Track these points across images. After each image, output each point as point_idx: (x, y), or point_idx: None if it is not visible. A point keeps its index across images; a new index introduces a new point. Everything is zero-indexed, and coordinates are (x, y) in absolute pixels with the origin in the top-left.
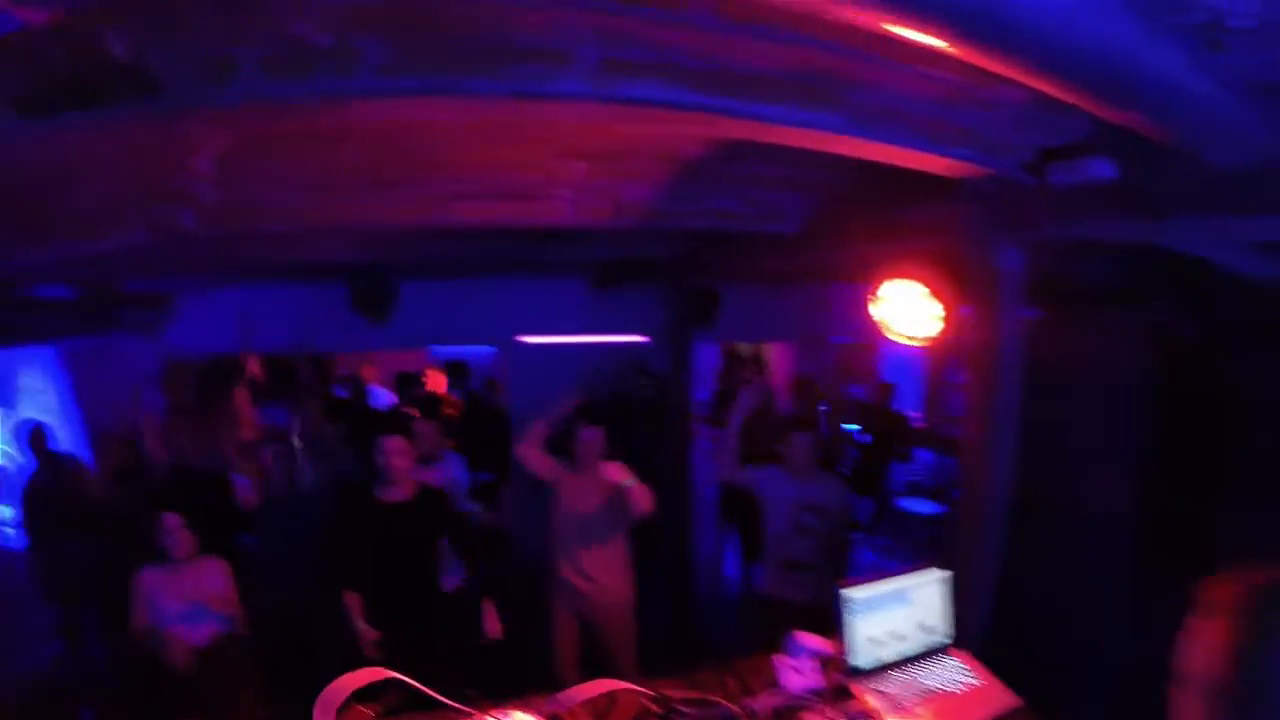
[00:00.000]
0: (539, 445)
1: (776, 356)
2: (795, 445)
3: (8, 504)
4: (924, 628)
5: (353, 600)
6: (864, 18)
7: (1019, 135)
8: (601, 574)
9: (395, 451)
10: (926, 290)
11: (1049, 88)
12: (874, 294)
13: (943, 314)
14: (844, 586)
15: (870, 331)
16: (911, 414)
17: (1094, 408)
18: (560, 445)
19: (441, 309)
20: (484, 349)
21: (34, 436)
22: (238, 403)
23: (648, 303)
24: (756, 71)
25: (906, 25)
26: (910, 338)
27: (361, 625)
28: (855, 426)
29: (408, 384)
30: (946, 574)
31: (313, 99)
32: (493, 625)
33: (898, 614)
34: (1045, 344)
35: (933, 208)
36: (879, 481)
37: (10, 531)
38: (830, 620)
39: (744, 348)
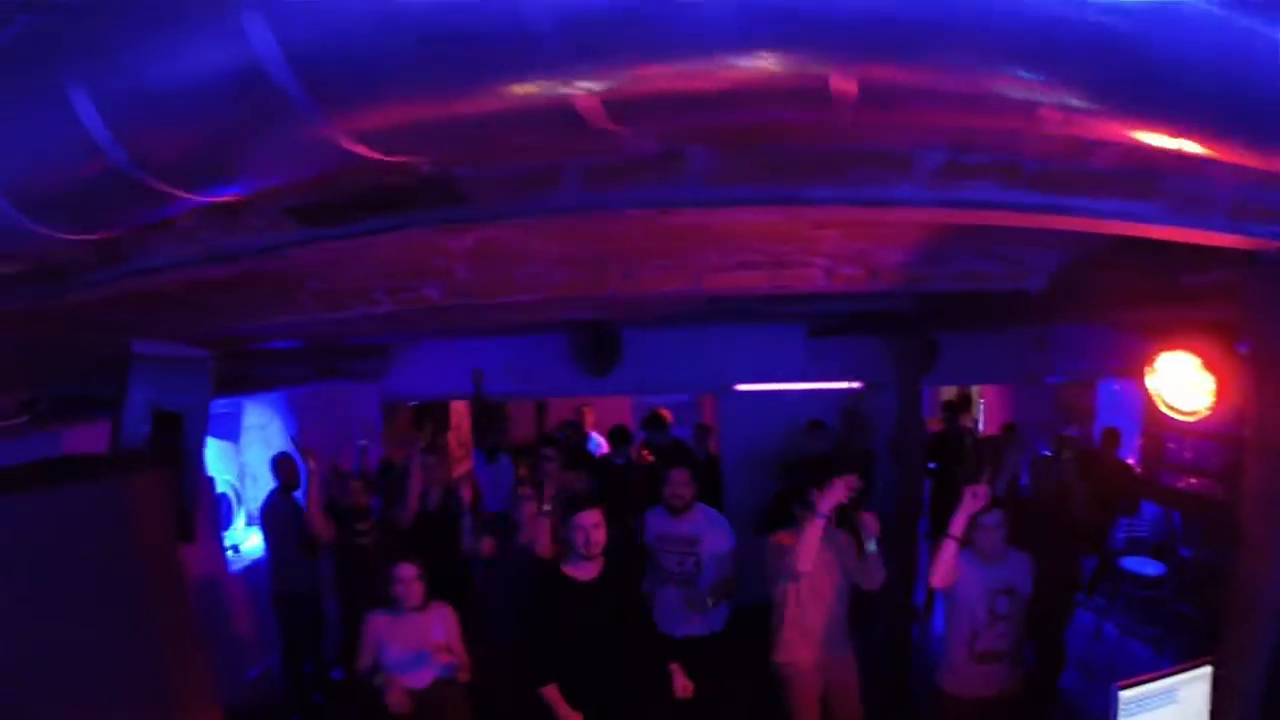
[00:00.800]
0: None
1: (990, 399)
2: (987, 529)
3: (233, 529)
4: None
5: (551, 693)
6: None
7: None
8: (825, 637)
9: (595, 526)
10: (1200, 363)
11: None
12: (1149, 365)
13: (1216, 389)
14: (1123, 685)
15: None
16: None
17: None
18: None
19: (658, 357)
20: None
21: (280, 466)
22: (451, 445)
23: (862, 349)
24: (1090, 170)
25: None
26: (1181, 412)
27: (566, 713)
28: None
29: (621, 438)
30: (1212, 671)
31: (633, 206)
32: (682, 684)
33: (1166, 713)
34: None
35: (1214, 274)
36: (1100, 537)
37: (235, 554)
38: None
39: (949, 391)
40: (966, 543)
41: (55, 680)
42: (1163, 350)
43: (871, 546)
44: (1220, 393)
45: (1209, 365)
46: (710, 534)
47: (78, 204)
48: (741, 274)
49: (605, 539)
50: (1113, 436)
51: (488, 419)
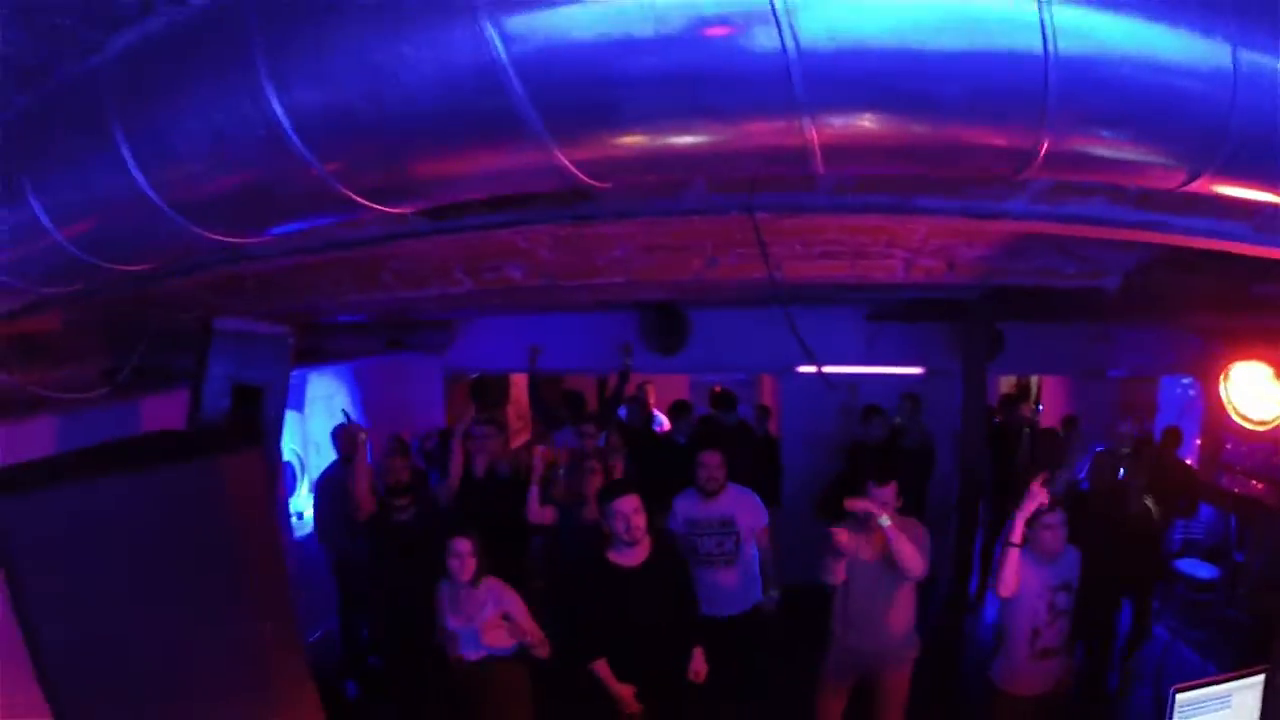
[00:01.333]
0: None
1: (1050, 391)
2: (1050, 528)
3: (296, 497)
4: None
5: (602, 668)
6: None
7: None
8: (881, 629)
9: (634, 511)
10: (1274, 373)
11: None
12: (1223, 373)
13: None
14: (1180, 688)
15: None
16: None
17: None
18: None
19: (723, 337)
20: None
21: (342, 436)
22: (510, 417)
23: (923, 335)
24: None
25: None
26: (1252, 420)
27: (616, 687)
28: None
29: (681, 411)
30: (1265, 678)
31: (762, 210)
32: (699, 666)
33: (1219, 717)
34: None
35: None
36: (1158, 538)
37: (299, 521)
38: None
39: (1009, 381)
40: (1025, 541)
41: (163, 653)
42: (1237, 358)
43: (884, 521)
44: None
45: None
46: (743, 510)
47: (252, 208)
48: (823, 263)
49: (646, 522)
50: (1174, 435)
51: (538, 394)
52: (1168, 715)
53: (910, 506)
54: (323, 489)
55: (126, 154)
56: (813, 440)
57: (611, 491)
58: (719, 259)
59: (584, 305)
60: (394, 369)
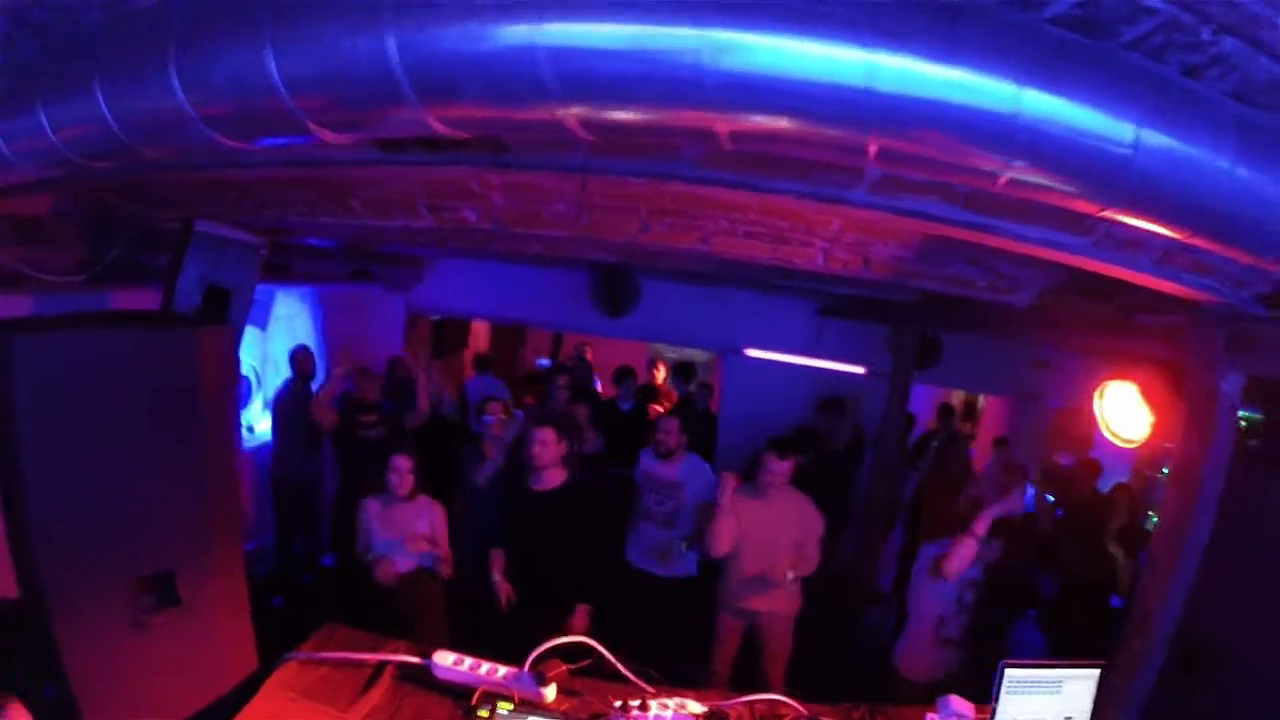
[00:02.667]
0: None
1: (989, 410)
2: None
3: (249, 410)
4: None
5: (496, 559)
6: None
7: (1258, 273)
8: (770, 596)
9: (542, 443)
10: (1141, 394)
11: None
12: (1098, 389)
13: (1153, 421)
14: (1010, 663)
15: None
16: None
17: None
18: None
19: (673, 309)
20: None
21: (299, 357)
22: (466, 361)
23: (868, 335)
24: (1021, 201)
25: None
26: (1120, 438)
27: (499, 579)
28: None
29: (623, 378)
30: (1099, 673)
31: (637, 176)
32: (579, 624)
33: (1047, 701)
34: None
35: (1164, 315)
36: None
37: (249, 434)
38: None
39: (957, 396)
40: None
41: (126, 493)
42: (1111, 378)
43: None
44: (1157, 425)
45: (1149, 398)
46: (693, 481)
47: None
48: (746, 241)
49: (554, 456)
50: (1091, 466)
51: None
52: (995, 688)
53: (834, 499)
54: (278, 405)
55: (174, 78)
56: (750, 421)
57: (536, 420)
58: (651, 225)
59: (543, 259)
60: (357, 300)
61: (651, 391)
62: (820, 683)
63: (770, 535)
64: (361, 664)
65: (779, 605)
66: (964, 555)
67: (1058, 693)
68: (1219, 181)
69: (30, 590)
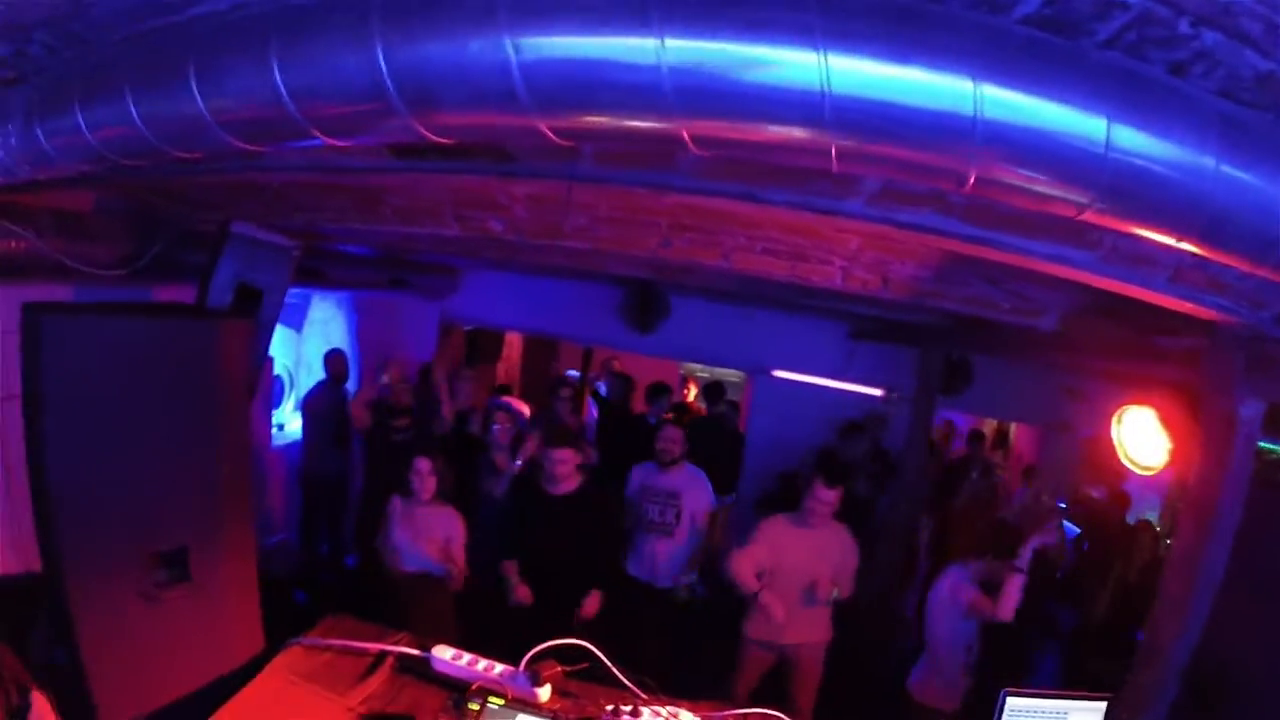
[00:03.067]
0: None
1: (1019, 439)
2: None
3: (281, 409)
4: None
5: (509, 566)
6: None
7: (1275, 292)
8: (802, 625)
9: (561, 461)
10: (1160, 420)
11: None
12: (1117, 414)
13: (1172, 447)
14: (1012, 691)
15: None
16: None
17: None
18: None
19: (702, 327)
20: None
21: (333, 360)
22: (499, 374)
23: (899, 359)
24: (1018, 212)
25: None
26: (1138, 465)
27: (515, 581)
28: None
29: (658, 394)
30: (1106, 707)
31: (634, 184)
32: (590, 608)
33: None
34: None
35: (1184, 339)
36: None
37: (279, 432)
38: None
39: (989, 424)
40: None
41: (143, 472)
42: (1129, 404)
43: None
44: (1176, 452)
45: (1167, 424)
46: (691, 490)
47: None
48: (765, 258)
49: (571, 470)
50: (1121, 499)
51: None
52: (996, 716)
53: (856, 524)
54: (309, 405)
55: (194, 85)
56: (776, 442)
57: (552, 441)
58: (672, 240)
59: (573, 272)
60: (392, 307)
61: (682, 409)
62: (838, 708)
63: (808, 566)
64: (363, 653)
65: (811, 636)
66: (1015, 594)
67: None
68: (1202, 180)
69: (50, 559)
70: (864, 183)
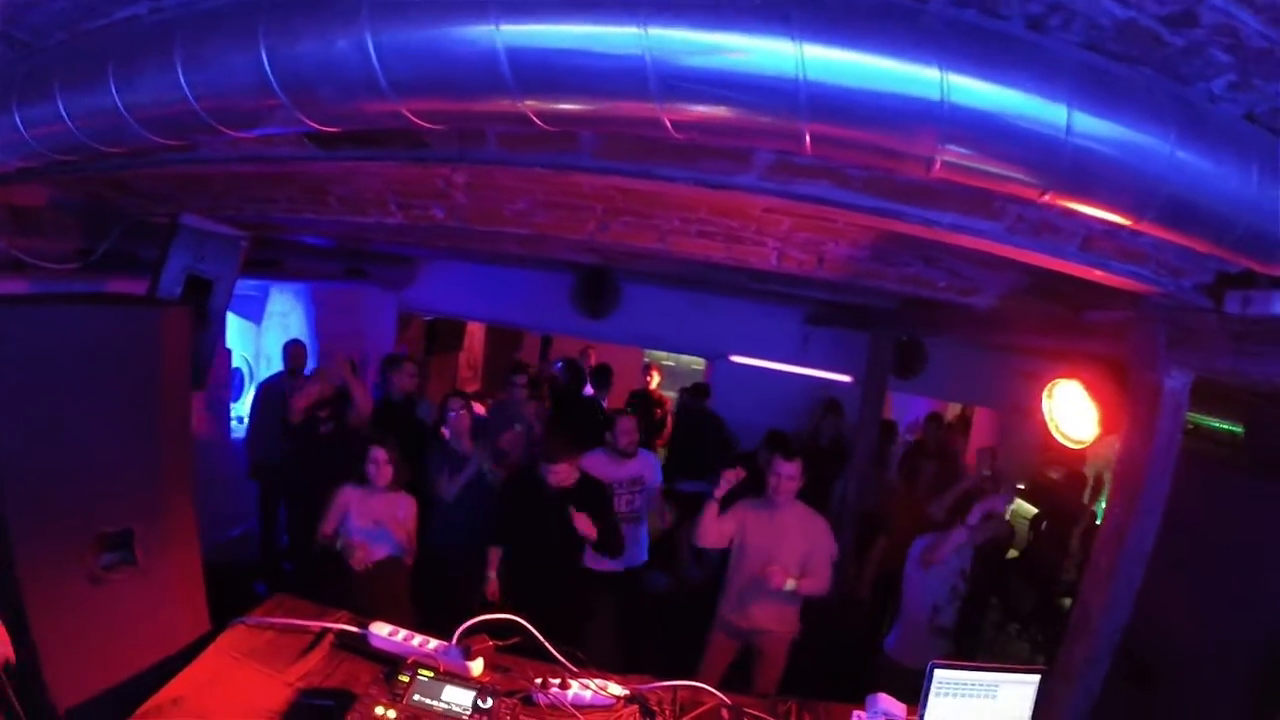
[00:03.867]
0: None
1: (979, 421)
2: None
3: (240, 402)
4: None
5: (494, 553)
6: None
7: (1195, 260)
8: (767, 613)
9: (563, 474)
10: (1088, 393)
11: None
12: (1047, 388)
13: (1100, 420)
14: (941, 664)
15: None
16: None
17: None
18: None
19: (656, 313)
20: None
21: (292, 351)
22: (461, 364)
23: (854, 343)
24: (918, 182)
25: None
26: (1068, 438)
27: (492, 573)
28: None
29: (602, 376)
30: (1039, 679)
31: (540, 166)
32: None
33: (982, 705)
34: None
35: (1113, 312)
36: (1048, 574)
37: (239, 425)
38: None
39: (951, 408)
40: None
41: (85, 458)
42: (1059, 377)
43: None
44: (1105, 425)
45: (1096, 397)
46: (649, 471)
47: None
48: (700, 241)
49: (569, 471)
50: (1078, 479)
51: None
52: (925, 688)
53: (816, 499)
54: (263, 395)
55: (113, 85)
56: (737, 426)
57: (549, 457)
58: (609, 224)
59: (523, 259)
60: (351, 298)
61: (643, 397)
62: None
63: (773, 546)
64: (304, 630)
65: (775, 625)
66: (952, 542)
67: (993, 698)
68: (1056, 133)
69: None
70: (757, 155)
